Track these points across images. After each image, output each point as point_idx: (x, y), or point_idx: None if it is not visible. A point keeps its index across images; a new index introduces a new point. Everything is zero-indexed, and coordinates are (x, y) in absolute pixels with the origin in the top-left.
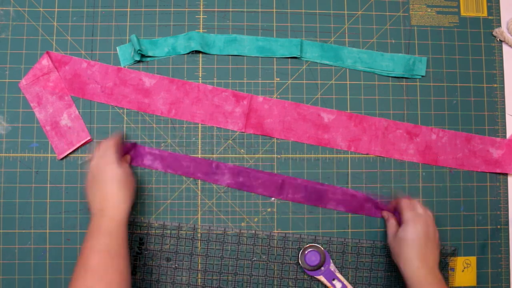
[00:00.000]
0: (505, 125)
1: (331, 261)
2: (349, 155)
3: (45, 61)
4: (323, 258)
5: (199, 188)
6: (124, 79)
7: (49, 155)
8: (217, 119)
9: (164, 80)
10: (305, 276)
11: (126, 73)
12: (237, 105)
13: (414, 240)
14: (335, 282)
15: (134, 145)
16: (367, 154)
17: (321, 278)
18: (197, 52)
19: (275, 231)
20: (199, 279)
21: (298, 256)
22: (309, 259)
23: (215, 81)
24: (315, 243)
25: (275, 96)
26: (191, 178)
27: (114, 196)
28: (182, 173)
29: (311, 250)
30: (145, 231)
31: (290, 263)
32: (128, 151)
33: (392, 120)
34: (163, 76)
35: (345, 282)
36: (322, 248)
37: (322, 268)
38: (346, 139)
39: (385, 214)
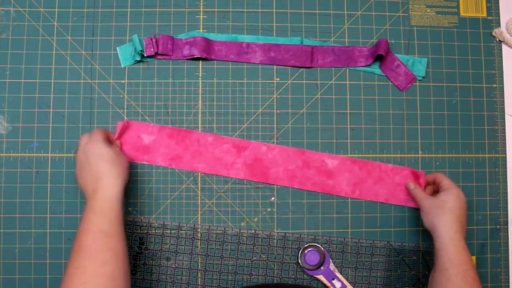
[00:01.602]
0: (504, 125)
1: (330, 260)
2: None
3: None
4: (322, 258)
5: (199, 187)
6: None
7: (49, 155)
8: (219, 171)
9: (163, 137)
10: (305, 275)
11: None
12: (238, 156)
13: (456, 205)
14: (335, 281)
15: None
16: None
17: (321, 277)
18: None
19: (275, 231)
20: (199, 279)
21: (298, 256)
22: (309, 258)
23: (215, 81)
24: (314, 243)
25: (275, 96)
26: (191, 178)
27: (105, 174)
28: (215, 57)
29: (310, 250)
30: (145, 231)
31: (289, 263)
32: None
33: (394, 165)
34: (162, 128)
35: (345, 282)
36: (322, 248)
37: (322, 268)
38: (350, 184)
39: (411, 184)
